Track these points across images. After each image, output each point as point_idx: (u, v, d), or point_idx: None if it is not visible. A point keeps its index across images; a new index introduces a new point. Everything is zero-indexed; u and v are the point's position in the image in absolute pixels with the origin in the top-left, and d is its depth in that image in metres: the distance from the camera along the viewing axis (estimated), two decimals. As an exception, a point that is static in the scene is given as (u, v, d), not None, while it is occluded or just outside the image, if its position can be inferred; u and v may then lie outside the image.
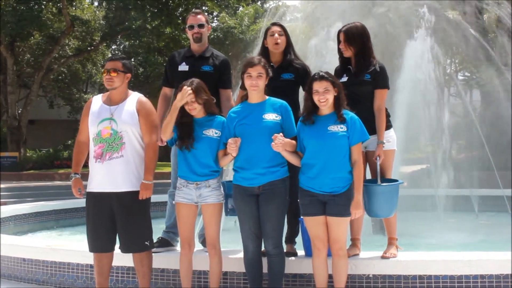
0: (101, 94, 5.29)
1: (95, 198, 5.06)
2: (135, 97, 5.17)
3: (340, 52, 5.55)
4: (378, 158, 5.26)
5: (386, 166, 5.38)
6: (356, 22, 5.59)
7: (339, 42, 5.52)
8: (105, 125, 5.04)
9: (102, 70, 5.21)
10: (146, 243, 5.09)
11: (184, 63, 5.97)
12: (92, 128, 5.08)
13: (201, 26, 5.99)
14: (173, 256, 5.47)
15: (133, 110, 5.07)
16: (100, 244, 5.08)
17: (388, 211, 5.21)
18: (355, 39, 5.42)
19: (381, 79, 5.42)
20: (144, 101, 5.16)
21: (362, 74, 5.38)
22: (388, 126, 5.44)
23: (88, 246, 5.14)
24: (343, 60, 5.57)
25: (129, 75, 5.18)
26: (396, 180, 5.29)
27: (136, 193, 5.02)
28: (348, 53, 5.47)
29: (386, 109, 5.48)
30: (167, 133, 5.01)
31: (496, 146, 14.60)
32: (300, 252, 5.41)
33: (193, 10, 6.24)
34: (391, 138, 5.46)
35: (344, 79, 5.37)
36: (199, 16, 6.02)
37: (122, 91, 5.14)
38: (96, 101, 5.20)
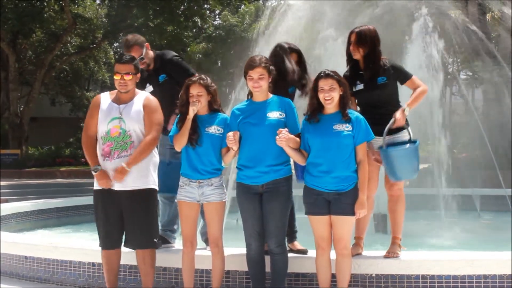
0: (109, 92, 5.29)
1: (103, 196, 5.08)
2: (143, 96, 5.20)
3: (349, 54, 5.43)
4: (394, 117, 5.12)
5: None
6: (369, 25, 5.46)
7: (349, 43, 5.39)
8: (114, 124, 5.05)
9: (114, 73, 5.08)
10: (154, 239, 5.14)
11: (147, 84, 6.06)
12: (102, 126, 5.09)
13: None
14: (175, 255, 5.45)
15: (140, 108, 5.10)
16: (110, 241, 5.11)
17: (411, 172, 5.17)
18: (367, 41, 5.30)
19: (402, 73, 5.39)
20: (151, 99, 5.20)
21: (375, 78, 5.30)
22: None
23: (100, 243, 5.17)
24: (353, 65, 5.44)
25: (139, 75, 5.21)
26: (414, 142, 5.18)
27: (144, 191, 5.05)
28: (357, 55, 5.35)
29: None
30: (182, 143, 4.96)
31: (499, 145, 14.57)
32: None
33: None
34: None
35: (360, 86, 5.31)
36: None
37: (131, 90, 5.15)
38: (105, 99, 5.19)
